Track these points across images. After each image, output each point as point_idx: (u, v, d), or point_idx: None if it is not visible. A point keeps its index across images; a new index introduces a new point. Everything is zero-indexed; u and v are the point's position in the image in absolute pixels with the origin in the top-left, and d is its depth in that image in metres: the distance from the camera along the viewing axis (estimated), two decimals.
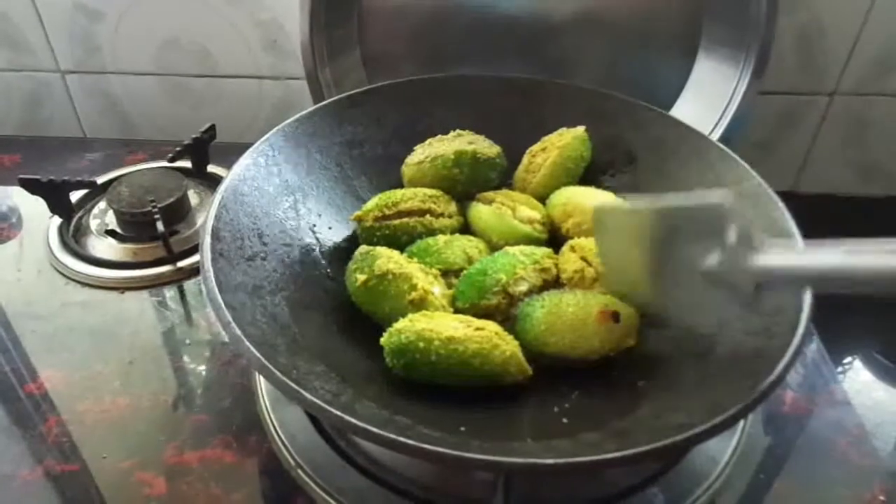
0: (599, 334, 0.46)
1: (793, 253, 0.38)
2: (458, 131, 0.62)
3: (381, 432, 0.37)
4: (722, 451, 0.52)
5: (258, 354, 0.40)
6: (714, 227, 0.38)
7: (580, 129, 0.62)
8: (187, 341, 0.62)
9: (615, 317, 0.45)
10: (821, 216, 0.86)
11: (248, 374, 0.58)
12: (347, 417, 0.37)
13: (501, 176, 0.62)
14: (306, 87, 0.74)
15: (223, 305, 0.43)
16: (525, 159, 0.63)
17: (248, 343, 0.41)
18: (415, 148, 0.62)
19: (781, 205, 0.51)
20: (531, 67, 0.71)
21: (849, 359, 0.74)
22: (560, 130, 0.62)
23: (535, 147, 0.63)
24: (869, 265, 0.33)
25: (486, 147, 0.61)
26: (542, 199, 0.60)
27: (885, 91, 0.80)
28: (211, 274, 0.45)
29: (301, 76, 0.73)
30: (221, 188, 0.52)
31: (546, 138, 0.63)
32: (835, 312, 0.59)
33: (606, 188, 0.61)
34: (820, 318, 0.60)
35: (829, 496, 0.51)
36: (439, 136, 0.62)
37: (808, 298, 0.44)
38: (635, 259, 0.43)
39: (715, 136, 0.69)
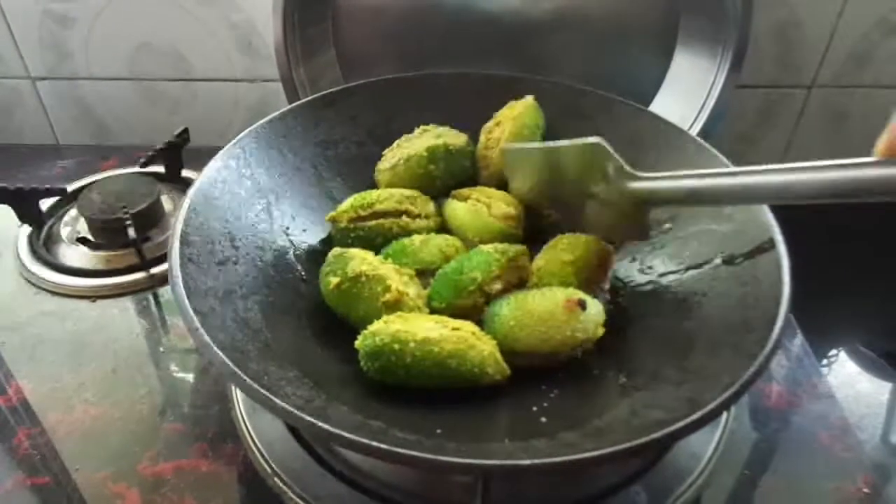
0: (569, 323, 0.45)
1: (659, 179, 0.47)
2: (422, 127, 0.62)
3: (354, 437, 0.36)
4: (705, 446, 0.51)
5: (226, 360, 0.39)
6: (595, 160, 0.49)
7: (529, 99, 0.62)
8: (162, 349, 0.61)
9: (582, 305, 0.45)
10: (801, 208, 0.86)
11: (223, 381, 0.57)
12: (319, 423, 0.36)
13: (474, 162, 0.62)
14: (282, 89, 0.73)
15: (191, 311, 0.42)
16: (482, 137, 0.62)
17: (216, 349, 0.40)
18: (384, 153, 0.62)
19: None
20: (510, 65, 0.70)
21: (832, 352, 0.74)
22: (510, 103, 0.62)
23: (489, 124, 0.62)
24: (711, 184, 0.44)
25: (454, 137, 0.61)
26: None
27: (862, 83, 0.80)
28: (179, 280, 0.44)
29: (276, 78, 0.73)
30: (191, 192, 0.51)
31: (497, 113, 0.62)
32: (818, 306, 0.59)
33: None
34: (803, 312, 0.61)
35: (813, 489, 0.51)
36: (406, 136, 0.61)
37: (785, 292, 0.43)
38: (539, 189, 0.56)
39: (694, 131, 0.69)
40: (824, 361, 0.74)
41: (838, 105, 0.82)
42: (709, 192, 0.44)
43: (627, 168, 0.48)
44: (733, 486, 0.51)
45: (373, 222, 0.55)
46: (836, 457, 0.52)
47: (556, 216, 0.58)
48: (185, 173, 0.79)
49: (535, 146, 0.55)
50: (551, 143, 0.53)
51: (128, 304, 0.65)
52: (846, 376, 0.73)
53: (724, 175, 0.43)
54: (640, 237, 0.52)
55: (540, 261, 0.52)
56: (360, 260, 0.49)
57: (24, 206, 0.70)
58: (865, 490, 0.50)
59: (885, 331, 0.77)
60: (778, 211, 0.49)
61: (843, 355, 0.75)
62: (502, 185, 0.60)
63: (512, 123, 0.60)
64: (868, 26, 0.76)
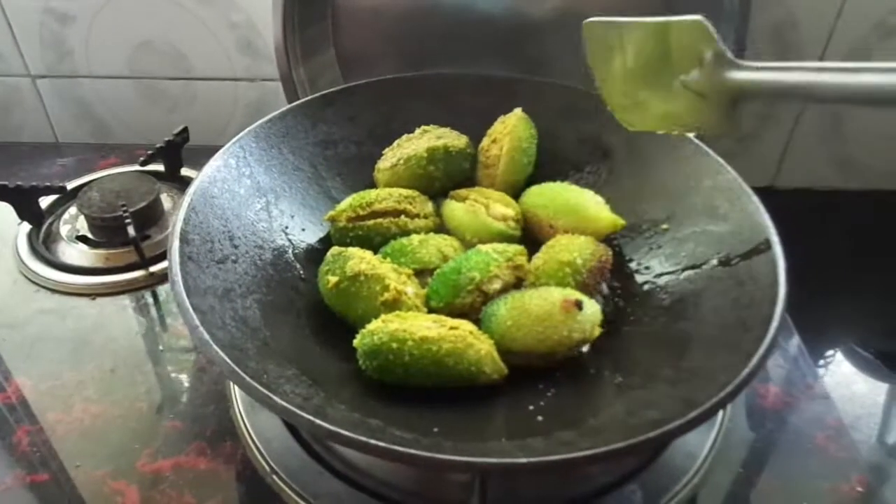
0: (566, 324, 0.45)
1: (764, 70, 0.42)
2: (423, 128, 0.62)
3: (352, 435, 0.36)
4: (700, 445, 0.51)
5: (226, 358, 0.39)
6: (692, 41, 0.43)
7: (518, 111, 0.62)
8: (161, 347, 0.61)
9: (578, 305, 0.45)
10: (800, 210, 0.86)
11: (222, 380, 0.57)
12: (317, 421, 0.37)
13: (473, 164, 0.63)
14: (282, 88, 0.73)
15: (191, 309, 0.42)
16: (480, 157, 0.63)
17: (216, 347, 0.40)
18: (384, 152, 0.62)
19: (756, 199, 0.51)
20: (508, 66, 0.71)
21: (828, 352, 0.74)
22: (500, 118, 0.63)
23: (485, 142, 0.63)
24: (831, 80, 0.39)
25: (454, 139, 0.61)
26: (511, 187, 0.60)
27: None
28: (179, 278, 0.44)
29: (276, 77, 0.73)
30: (190, 191, 0.51)
31: (490, 131, 0.63)
32: (814, 306, 0.60)
33: (582, 185, 0.60)
34: (799, 313, 0.61)
35: (808, 489, 0.51)
36: (406, 136, 0.62)
37: (781, 292, 0.43)
38: (622, 70, 0.49)
39: (692, 132, 0.69)
40: (820, 362, 0.74)
41: (835, 108, 0.82)
42: (817, 88, 0.39)
43: (729, 54, 0.42)
44: (729, 485, 0.51)
45: (371, 222, 0.55)
46: (831, 457, 0.53)
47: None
48: (185, 172, 0.79)
49: (625, 21, 0.48)
50: (645, 19, 0.46)
51: (127, 302, 0.65)
52: (842, 377, 0.73)
53: (836, 70, 0.39)
54: (730, 131, 0.45)
55: (538, 261, 0.52)
56: (359, 259, 0.49)
57: (24, 203, 0.71)
58: (859, 489, 0.50)
59: (881, 331, 0.77)
60: (774, 212, 0.50)
61: (838, 356, 0.75)
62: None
63: (509, 138, 0.60)
64: (866, 28, 0.77)
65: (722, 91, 0.43)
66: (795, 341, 0.63)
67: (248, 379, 0.39)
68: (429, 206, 0.59)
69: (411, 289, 0.50)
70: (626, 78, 0.49)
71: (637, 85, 0.48)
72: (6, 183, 0.69)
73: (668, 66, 0.45)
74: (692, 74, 0.44)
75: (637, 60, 0.48)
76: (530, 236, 0.57)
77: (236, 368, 0.39)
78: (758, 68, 0.42)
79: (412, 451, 0.36)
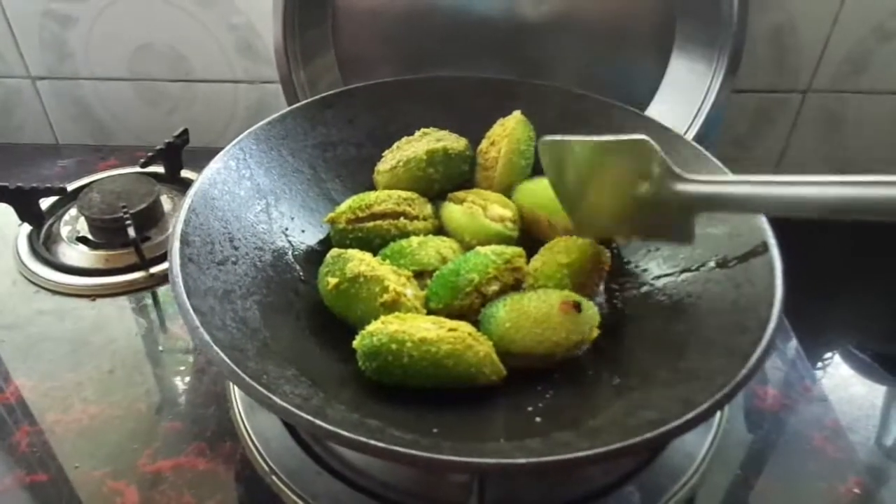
0: (564, 326, 0.46)
1: (708, 184, 0.45)
2: (422, 130, 0.62)
3: (352, 436, 0.36)
4: (698, 446, 0.51)
5: (226, 359, 0.40)
6: (640, 157, 0.46)
7: (517, 114, 0.62)
8: (161, 348, 0.61)
9: (577, 307, 0.46)
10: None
11: (221, 381, 0.58)
12: (317, 421, 0.37)
13: (472, 167, 0.63)
14: (281, 91, 0.73)
15: (191, 310, 0.42)
16: (478, 159, 0.63)
17: (216, 348, 0.40)
18: (383, 154, 0.62)
19: None
20: (507, 68, 0.71)
21: (826, 354, 0.74)
22: (499, 121, 0.63)
23: (483, 145, 0.63)
24: (768, 193, 0.42)
25: (454, 141, 0.61)
26: (509, 189, 0.61)
27: (858, 88, 0.81)
28: (179, 279, 0.44)
29: (276, 79, 0.73)
30: (191, 192, 0.51)
31: (489, 134, 0.63)
32: (811, 308, 0.60)
33: None
34: (796, 315, 0.61)
35: (805, 490, 0.51)
36: (405, 138, 0.62)
37: (778, 294, 0.44)
38: (576, 185, 0.52)
39: (690, 135, 0.70)
40: (818, 364, 0.74)
41: (833, 110, 0.83)
42: (760, 201, 0.42)
43: (675, 169, 0.45)
44: (727, 486, 0.51)
45: (371, 224, 0.56)
46: (829, 458, 0.53)
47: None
48: (185, 174, 0.79)
49: (576, 139, 0.51)
50: (594, 138, 0.49)
51: (127, 303, 0.66)
52: (839, 379, 0.73)
53: (777, 185, 0.41)
54: (683, 240, 0.48)
55: (536, 263, 0.53)
56: (359, 261, 0.50)
57: (24, 205, 0.71)
58: (856, 490, 0.50)
59: (879, 333, 0.78)
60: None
61: (836, 358, 0.75)
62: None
63: (507, 141, 0.60)
64: (864, 32, 0.77)
65: (673, 203, 0.46)
66: (793, 343, 0.63)
67: (247, 379, 0.39)
68: (428, 208, 0.59)
69: (410, 290, 0.50)
70: (581, 192, 0.51)
71: (591, 198, 0.51)
72: (6, 184, 0.69)
73: (619, 180, 0.48)
74: (642, 188, 0.47)
75: (588, 176, 0.50)
76: (529, 238, 0.58)
77: (236, 369, 0.39)
78: (703, 182, 0.44)
79: (411, 451, 0.36)
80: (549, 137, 0.52)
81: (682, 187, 0.45)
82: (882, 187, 0.37)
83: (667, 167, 0.45)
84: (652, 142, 0.45)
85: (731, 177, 0.44)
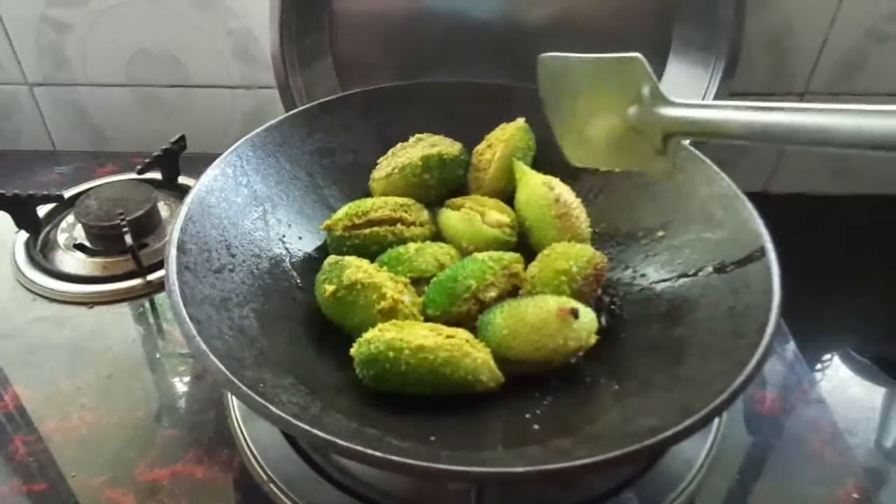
0: (562, 332, 0.46)
1: (693, 107, 0.43)
2: (417, 136, 0.62)
3: (349, 445, 0.36)
4: (697, 452, 0.51)
5: (223, 368, 0.40)
6: (631, 77, 0.45)
7: (520, 121, 0.62)
8: (158, 355, 0.61)
9: (574, 313, 0.45)
10: (794, 215, 0.87)
11: (219, 388, 0.57)
12: (314, 431, 0.37)
13: (467, 171, 0.63)
14: (278, 97, 0.73)
15: (188, 319, 0.42)
16: (473, 159, 0.63)
17: (212, 357, 0.40)
18: (378, 161, 0.62)
19: (750, 206, 0.51)
20: (504, 73, 0.71)
21: (824, 356, 0.74)
22: (501, 125, 0.63)
23: (480, 146, 0.63)
24: (747, 118, 0.40)
25: (448, 146, 0.61)
26: (499, 193, 0.61)
27: (854, 91, 0.81)
28: (176, 287, 0.44)
29: (273, 85, 0.73)
30: (188, 200, 0.51)
31: (488, 136, 0.63)
32: (810, 311, 0.60)
33: (578, 193, 0.60)
34: (795, 317, 0.61)
35: (804, 494, 0.51)
36: (400, 144, 0.62)
37: (776, 299, 0.44)
38: (569, 104, 0.51)
39: (687, 139, 0.69)
40: (817, 366, 0.74)
41: None
42: (742, 127, 0.40)
43: (663, 91, 0.44)
44: (726, 491, 0.51)
45: (368, 230, 0.56)
46: (828, 462, 0.53)
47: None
48: (182, 180, 0.79)
49: (574, 56, 0.50)
50: (589, 55, 0.48)
51: (124, 310, 0.65)
52: (838, 381, 0.73)
53: (759, 110, 0.40)
54: (664, 177, 0.47)
55: (534, 269, 0.53)
56: (356, 268, 0.50)
57: (21, 212, 0.71)
58: (855, 495, 0.50)
59: (877, 336, 0.78)
60: (768, 217, 0.50)
61: (835, 360, 0.75)
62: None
63: (503, 146, 0.60)
64: (860, 35, 0.77)
65: (656, 127, 0.45)
66: (791, 346, 0.63)
67: (244, 389, 0.39)
68: (424, 214, 0.59)
69: (408, 297, 0.50)
70: (573, 112, 0.51)
71: (582, 119, 0.50)
72: (3, 191, 0.69)
73: (610, 101, 0.47)
74: (631, 110, 0.46)
75: (582, 94, 0.50)
76: (526, 244, 0.57)
77: (233, 378, 0.39)
78: (690, 105, 0.43)
79: (409, 461, 0.36)
80: (549, 54, 0.52)
81: (666, 110, 0.44)
82: (856, 116, 0.36)
83: (655, 87, 0.44)
84: (644, 60, 0.45)
85: (712, 102, 0.45)
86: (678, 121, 0.44)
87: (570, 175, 0.62)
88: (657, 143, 0.45)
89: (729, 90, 0.70)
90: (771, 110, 0.39)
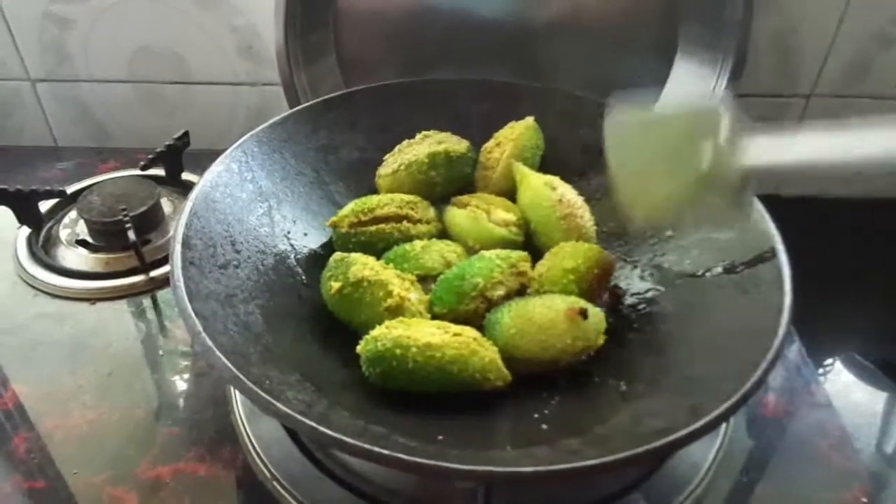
0: (570, 332, 0.45)
1: (771, 146, 0.40)
2: (423, 133, 0.62)
3: (356, 443, 0.36)
4: (704, 455, 0.51)
5: (229, 364, 0.39)
6: (709, 128, 0.41)
7: (529, 120, 0.62)
8: (160, 352, 0.61)
9: (583, 314, 0.45)
10: (803, 218, 0.86)
11: (221, 385, 0.57)
12: (321, 428, 0.36)
13: (474, 169, 0.63)
14: (283, 93, 0.73)
15: (193, 315, 0.42)
16: (481, 157, 0.63)
17: (218, 353, 0.40)
18: (385, 158, 0.62)
19: (761, 206, 0.51)
20: (510, 71, 0.70)
21: (829, 360, 0.74)
22: (510, 124, 0.63)
23: (489, 144, 0.63)
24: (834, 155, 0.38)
25: (455, 144, 0.61)
26: (504, 193, 0.60)
27: (861, 93, 0.81)
28: (181, 283, 0.44)
29: (277, 82, 0.73)
30: (192, 195, 0.51)
31: (497, 134, 0.63)
32: (814, 314, 0.60)
33: (585, 192, 0.60)
34: (799, 320, 0.61)
35: (810, 498, 0.51)
36: (407, 141, 0.62)
37: (787, 301, 0.43)
38: (643, 165, 0.46)
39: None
40: (820, 370, 0.74)
41: (837, 115, 0.82)
42: (837, 162, 0.37)
43: (742, 137, 0.40)
44: (732, 494, 0.51)
45: (374, 227, 0.55)
46: (834, 466, 0.52)
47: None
48: (186, 176, 0.79)
49: (644, 111, 0.46)
50: (664, 111, 0.45)
51: (127, 306, 0.65)
52: (842, 385, 0.73)
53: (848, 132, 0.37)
54: (736, 221, 0.45)
55: (542, 268, 0.52)
56: (362, 265, 0.49)
57: (23, 207, 0.70)
58: (863, 499, 0.50)
59: (881, 340, 0.78)
60: (778, 219, 0.50)
61: (839, 364, 0.75)
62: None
63: (512, 144, 0.60)
64: (866, 37, 0.77)
65: (734, 176, 0.41)
66: (798, 349, 0.62)
67: (251, 385, 0.38)
68: (430, 212, 0.59)
69: (415, 295, 0.49)
70: (642, 167, 0.47)
71: (652, 174, 0.46)
72: (6, 187, 0.69)
73: (685, 155, 0.43)
74: (706, 162, 0.42)
75: (653, 148, 0.46)
76: (532, 245, 0.57)
77: (239, 374, 0.39)
78: (773, 140, 0.40)
79: (417, 459, 0.35)
80: (618, 104, 0.47)
81: (744, 157, 0.40)
82: None
83: (736, 133, 0.40)
84: (723, 111, 0.41)
85: (792, 132, 0.39)
86: (759, 168, 0.40)
87: (577, 174, 0.62)
88: (734, 191, 0.42)
89: (735, 92, 0.69)
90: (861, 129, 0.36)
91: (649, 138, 0.46)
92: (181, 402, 0.56)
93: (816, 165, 0.38)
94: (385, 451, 0.35)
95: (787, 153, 0.40)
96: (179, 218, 0.49)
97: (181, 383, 0.58)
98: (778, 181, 0.42)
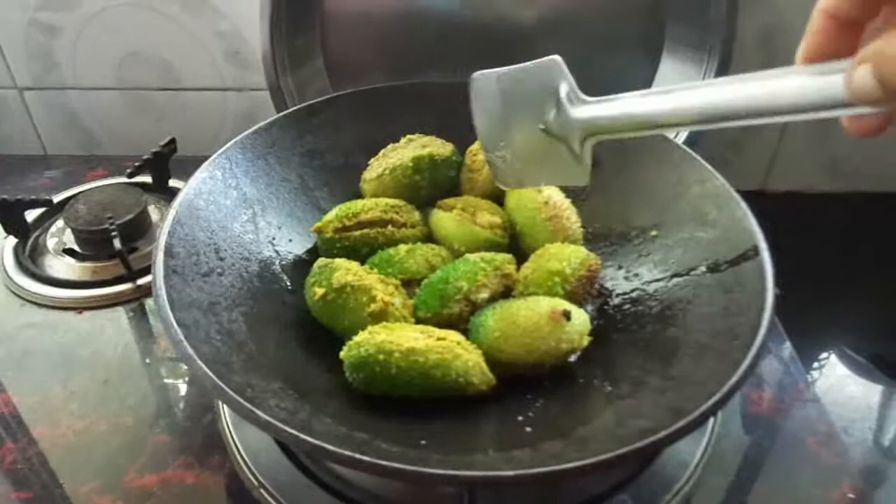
0: (554, 335, 0.45)
1: (608, 102, 0.41)
2: (408, 137, 0.62)
3: (338, 450, 0.36)
4: (692, 453, 0.51)
5: (210, 373, 0.39)
6: (551, 82, 0.43)
7: None
8: (148, 360, 0.60)
9: (567, 316, 0.45)
10: (790, 213, 0.86)
11: (209, 393, 0.57)
12: (303, 436, 0.36)
13: (459, 172, 0.63)
14: (270, 99, 0.73)
15: (175, 324, 0.42)
16: (467, 160, 0.62)
17: (199, 362, 0.40)
18: (370, 162, 0.62)
19: (744, 205, 0.51)
20: None
21: (820, 356, 0.74)
22: None
23: (474, 147, 0.62)
24: (662, 107, 0.39)
25: (440, 147, 0.61)
26: (490, 196, 0.60)
27: None
28: (163, 291, 0.44)
29: (265, 87, 0.73)
30: (175, 203, 0.51)
31: None
32: (805, 310, 0.60)
33: (570, 193, 0.60)
34: (790, 316, 0.61)
35: (799, 495, 0.51)
36: (391, 146, 0.62)
37: (769, 299, 0.43)
38: (496, 121, 0.49)
39: (680, 139, 0.69)
40: (812, 366, 0.74)
41: None
42: (656, 115, 0.39)
43: (580, 93, 0.43)
44: (721, 492, 0.51)
45: (358, 232, 0.55)
46: (823, 462, 0.52)
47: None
48: (173, 183, 0.79)
49: (497, 70, 0.48)
50: (511, 67, 0.47)
51: (114, 315, 0.65)
52: (834, 380, 0.73)
53: (670, 93, 0.38)
54: (579, 181, 0.45)
55: (526, 270, 0.52)
56: (346, 270, 0.49)
57: (9, 216, 0.70)
58: (851, 496, 0.50)
59: (873, 334, 0.77)
60: (763, 215, 0.49)
61: (830, 359, 0.75)
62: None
63: None
64: None
65: (575, 131, 0.43)
66: (786, 346, 0.62)
67: (232, 394, 0.38)
68: (415, 216, 0.58)
69: (398, 299, 0.49)
70: (499, 129, 0.49)
71: (508, 136, 0.48)
72: None
73: (532, 111, 0.45)
74: (550, 116, 0.44)
75: (506, 108, 0.48)
76: (518, 248, 0.57)
77: (220, 383, 0.39)
78: (603, 100, 0.42)
79: (399, 465, 0.35)
80: (479, 72, 0.50)
81: (581, 110, 0.42)
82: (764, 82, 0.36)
83: (572, 87, 0.43)
84: (561, 61, 0.43)
85: (623, 95, 0.41)
86: (593, 119, 0.42)
87: None
88: (576, 148, 0.44)
89: None
90: (682, 90, 0.38)
91: (502, 99, 0.48)
92: (169, 410, 0.56)
93: (648, 119, 0.40)
94: (366, 458, 0.35)
95: (621, 107, 0.41)
96: (163, 226, 0.49)
97: (169, 391, 0.58)
98: (618, 136, 0.43)
